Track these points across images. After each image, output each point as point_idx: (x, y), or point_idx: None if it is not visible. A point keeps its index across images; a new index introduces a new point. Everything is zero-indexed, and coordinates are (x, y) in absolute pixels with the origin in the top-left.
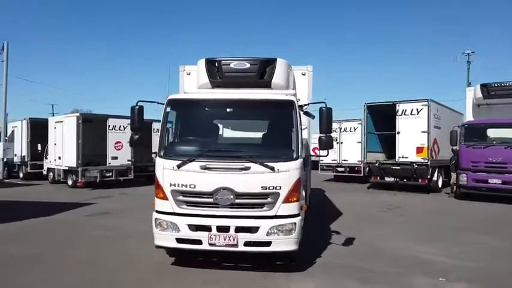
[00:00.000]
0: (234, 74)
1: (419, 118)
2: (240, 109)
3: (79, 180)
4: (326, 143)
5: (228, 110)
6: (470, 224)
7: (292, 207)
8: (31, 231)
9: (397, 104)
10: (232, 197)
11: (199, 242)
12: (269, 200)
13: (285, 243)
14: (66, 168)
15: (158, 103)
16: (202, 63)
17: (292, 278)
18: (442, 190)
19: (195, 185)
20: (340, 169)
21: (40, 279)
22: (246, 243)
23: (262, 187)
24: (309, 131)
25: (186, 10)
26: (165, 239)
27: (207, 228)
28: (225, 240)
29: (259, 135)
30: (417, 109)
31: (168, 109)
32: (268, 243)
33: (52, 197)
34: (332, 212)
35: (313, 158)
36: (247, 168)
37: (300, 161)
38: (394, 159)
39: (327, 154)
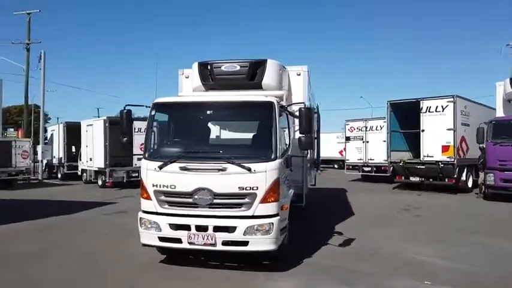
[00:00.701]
0: (224, 76)
1: (445, 115)
2: (220, 111)
3: (107, 181)
4: (306, 143)
5: (208, 112)
6: (487, 226)
7: (270, 208)
8: (49, 227)
9: (421, 101)
10: (210, 197)
11: (179, 240)
12: (246, 200)
13: (262, 243)
14: (96, 169)
15: (146, 106)
16: (195, 66)
17: (271, 277)
18: (473, 190)
19: (175, 186)
20: (366, 169)
21: (35, 271)
22: (224, 243)
23: (239, 187)
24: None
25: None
26: (149, 237)
27: (187, 228)
28: (203, 239)
29: (240, 136)
30: (442, 106)
31: (153, 112)
32: (245, 243)
33: (81, 196)
34: (344, 213)
35: (339, 158)
36: (224, 169)
37: (278, 161)
38: (419, 158)
39: (307, 154)
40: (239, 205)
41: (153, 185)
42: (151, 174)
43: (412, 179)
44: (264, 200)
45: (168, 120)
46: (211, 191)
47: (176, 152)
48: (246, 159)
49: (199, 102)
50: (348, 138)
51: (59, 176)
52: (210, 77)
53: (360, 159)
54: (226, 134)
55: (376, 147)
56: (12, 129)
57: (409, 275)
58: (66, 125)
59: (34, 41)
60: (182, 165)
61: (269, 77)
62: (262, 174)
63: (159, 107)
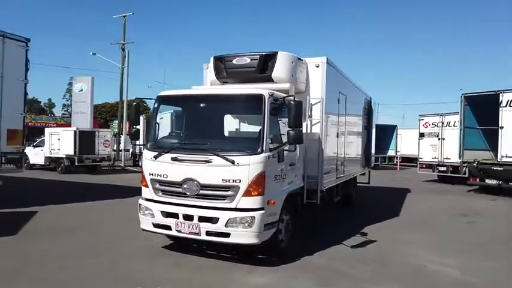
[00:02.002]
0: (236, 70)
1: None
2: (214, 104)
3: None
4: (294, 138)
5: (201, 105)
6: None
7: (253, 201)
8: (95, 208)
9: (500, 94)
10: (197, 187)
11: (169, 228)
12: (230, 192)
13: (243, 236)
14: None
15: (154, 99)
16: (211, 60)
17: (254, 270)
18: None
19: (167, 175)
20: (441, 168)
21: (58, 244)
22: (208, 233)
23: (222, 179)
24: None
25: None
26: (146, 223)
27: (175, 216)
28: (189, 228)
29: (234, 129)
30: None
31: (156, 105)
32: (227, 235)
33: None
34: (386, 213)
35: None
36: (210, 161)
37: (263, 155)
38: (496, 159)
39: (295, 149)
40: (223, 197)
41: (150, 174)
42: (149, 163)
43: (488, 181)
44: (247, 193)
45: (169, 113)
46: (198, 181)
47: (170, 143)
48: (232, 151)
49: (194, 95)
50: (421, 135)
51: (140, 163)
52: (223, 70)
53: (435, 158)
54: (230, 127)
55: (453, 145)
56: (116, 122)
57: (401, 284)
58: (146, 117)
59: (128, 41)
60: (174, 155)
61: (280, 69)
62: (246, 167)
63: (161, 100)
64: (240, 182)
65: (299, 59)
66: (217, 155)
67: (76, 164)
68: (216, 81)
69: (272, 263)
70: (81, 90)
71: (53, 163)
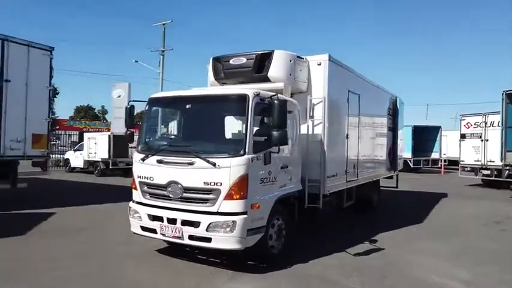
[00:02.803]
0: (233, 70)
1: None
2: (199, 106)
3: None
4: (278, 139)
5: (187, 106)
6: None
7: (235, 205)
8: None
9: None
10: (180, 190)
11: (155, 231)
12: (211, 196)
13: (224, 241)
14: None
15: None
16: (210, 61)
17: (236, 277)
18: None
19: (153, 178)
20: (485, 172)
21: (57, 244)
22: (190, 237)
23: (204, 182)
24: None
25: None
26: (135, 226)
27: (160, 219)
28: (172, 232)
29: (219, 130)
30: None
31: (147, 107)
32: (208, 239)
33: None
34: (408, 219)
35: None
36: (192, 163)
37: (246, 157)
38: None
39: (278, 151)
40: (205, 200)
41: (138, 176)
42: (137, 165)
43: None
44: (228, 197)
45: (157, 115)
46: (181, 184)
47: (158, 145)
48: (215, 154)
49: (180, 96)
50: (463, 136)
51: None
52: (221, 71)
53: (478, 161)
54: (216, 129)
55: (497, 147)
56: None
57: None
58: None
59: (167, 48)
60: (159, 158)
61: (276, 68)
62: (227, 169)
63: (152, 102)
64: (221, 185)
65: (299, 57)
66: (199, 157)
67: (110, 167)
68: (215, 82)
69: (260, 270)
70: (119, 96)
71: (90, 166)
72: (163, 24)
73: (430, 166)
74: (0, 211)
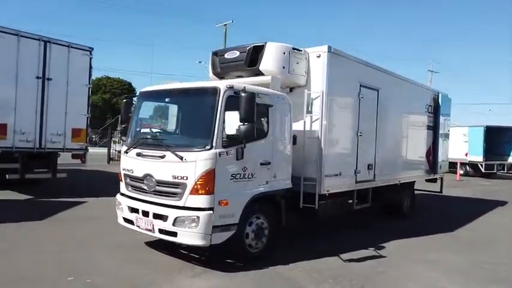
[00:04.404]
0: (228, 64)
1: None
2: (176, 99)
3: None
4: (244, 133)
5: (166, 99)
6: None
7: (200, 200)
8: None
9: None
10: (153, 184)
11: (132, 222)
12: (179, 190)
13: (189, 236)
14: None
15: None
16: (210, 55)
17: (201, 274)
18: None
19: (133, 170)
20: None
21: (58, 230)
22: (160, 231)
23: (172, 176)
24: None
25: None
26: (120, 216)
27: (137, 211)
28: (145, 224)
29: (195, 124)
30: None
31: (137, 101)
32: (174, 234)
33: None
34: (435, 228)
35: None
36: (163, 157)
37: (212, 151)
38: None
39: (244, 146)
40: (174, 194)
41: (123, 169)
42: (122, 158)
43: None
44: (194, 191)
45: (144, 108)
46: (154, 177)
47: (139, 138)
48: (185, 147)
49: (163, 90)
50: None
51: None
52: (218, 66)
53: None
54: (192, 122)
55: None
56: None
57: None
58: None
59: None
60: (139, 151)
61: (268, 61)
62: (192, 163)
63: (140, 96)
64: (187, 179)
65: (295, 49)
66: (169, 151)
67: None
68: (214, 77)
69: (232, 269)
70: None
71: None
72: (225, 25)
73: (506, 171)
74: (39, 198)
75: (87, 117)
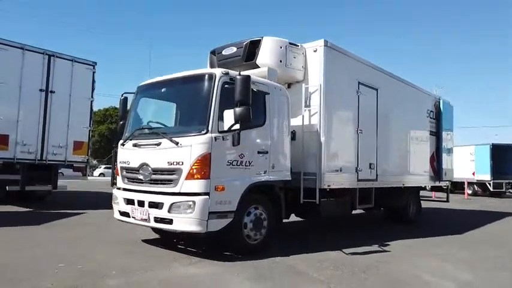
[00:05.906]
0: (225, 60)
1: None
2: (171, 89)
3: None
4: (239, 116)
5: (163, 90)
6: None
7: (196, 185)
8: None
9: None
10: (149, 172)
11: (128, 215)
12: (174, 176)
13: (184, 222)
14: None
15: None
16: (208, 55)
17: (197, 263)
18: None
19: (129, 162)
20: None
21: (50, 232)
22: (155, 219)
23: (168, 162)
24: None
25: None
26: (116, 211)
27: (132, 202)
28: (140, 214)
29: (187, 111)
30: None
31: (135, 96)
32: (170, 221)
33: None
34: (443, 230)
35: None
36: (159, 144)
37: (208, 135)
38: None
39: (240, 129)
40: (169, 181)
41: (120, 162)
42: (119, 151)
43: None
44: (189, 176)
45: (141, 102)
46: (150, 166)
47: (136, 130)
48: (181, 133)
49: (159, 81)
50: None
51: None
52: (216, 63)
53: None
54: (190, 110)
55: None
56: None
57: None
58: None
59: None
60: (135, 142)
61: (265, 55)
62: (188, 148)
63: (138, 90)
64: (182, 164)
65: (292, 44)
66: (164, 137)
67: None
68: None
69: (230, 259)
70: None
71: None
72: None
73: None
74: (38, 210)
75: (89, 130)
